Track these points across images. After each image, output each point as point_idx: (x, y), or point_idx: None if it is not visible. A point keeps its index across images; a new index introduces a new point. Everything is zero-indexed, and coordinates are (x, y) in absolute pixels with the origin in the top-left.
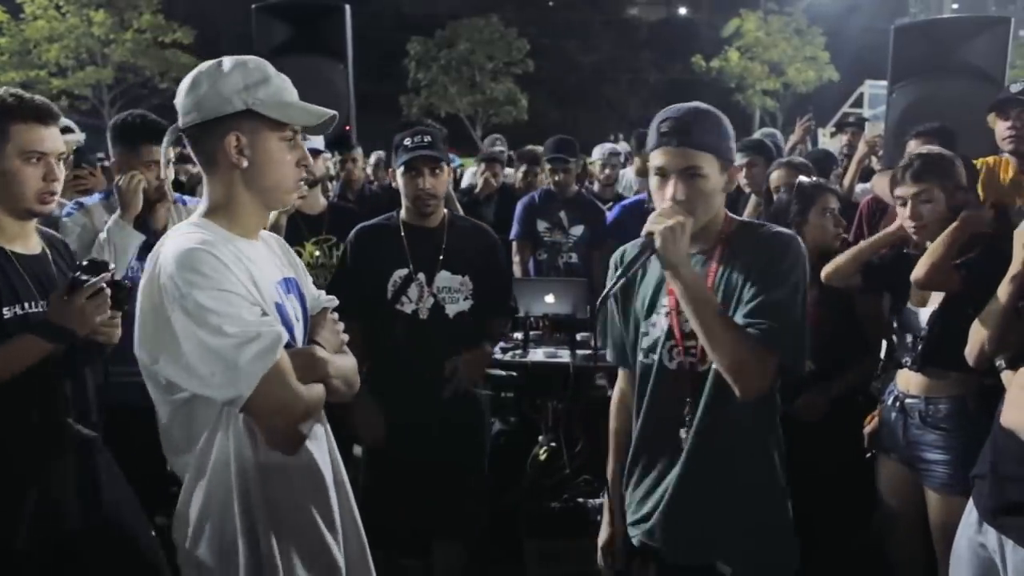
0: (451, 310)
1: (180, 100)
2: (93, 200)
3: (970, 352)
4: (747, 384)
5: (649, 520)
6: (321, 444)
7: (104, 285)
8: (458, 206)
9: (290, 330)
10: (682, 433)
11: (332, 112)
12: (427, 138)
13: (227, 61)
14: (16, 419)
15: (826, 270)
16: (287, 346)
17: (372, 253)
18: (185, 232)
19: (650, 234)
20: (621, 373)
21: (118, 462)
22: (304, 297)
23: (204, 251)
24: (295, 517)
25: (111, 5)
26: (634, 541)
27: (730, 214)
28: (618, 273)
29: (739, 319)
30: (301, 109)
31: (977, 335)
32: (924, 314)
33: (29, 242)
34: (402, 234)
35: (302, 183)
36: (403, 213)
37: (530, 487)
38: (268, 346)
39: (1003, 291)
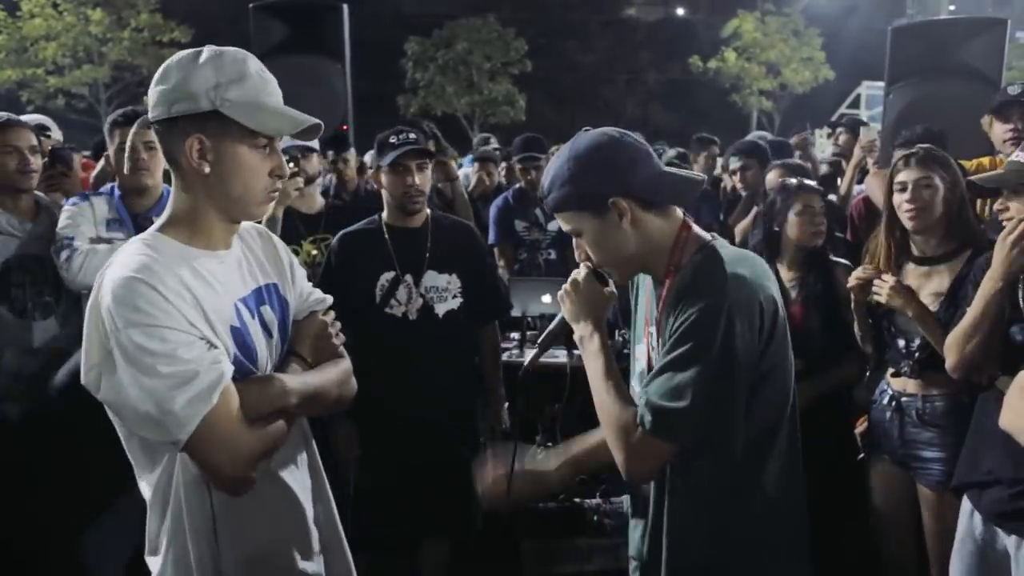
0: (440, 309)
1: (150, 89)
2: (98, 195)
3: (955, 366)
4: (629, 468)
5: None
6: (298, 471)
7: None
8: (467, 200)
9: (251, 354)
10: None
11: (314, 121)
12: (412, 135)
13: (205, 51)
14: None
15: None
16: (246, 373)
17: (358, 258)
18: (131, 252)
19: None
20: None
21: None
22: (286, 302)
23: (142, 282)
24: (266, 549)
25: (109, 4)
26: None
27: (697, 231)
28: (540, 343)
29: (644, 387)
30: (276, 114)
31: (959, 346)
32: None
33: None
34: (386, 236)
35: (275, 193)
36: (386, 215)
37: None
38: (206, 387)
39: (986, 299)
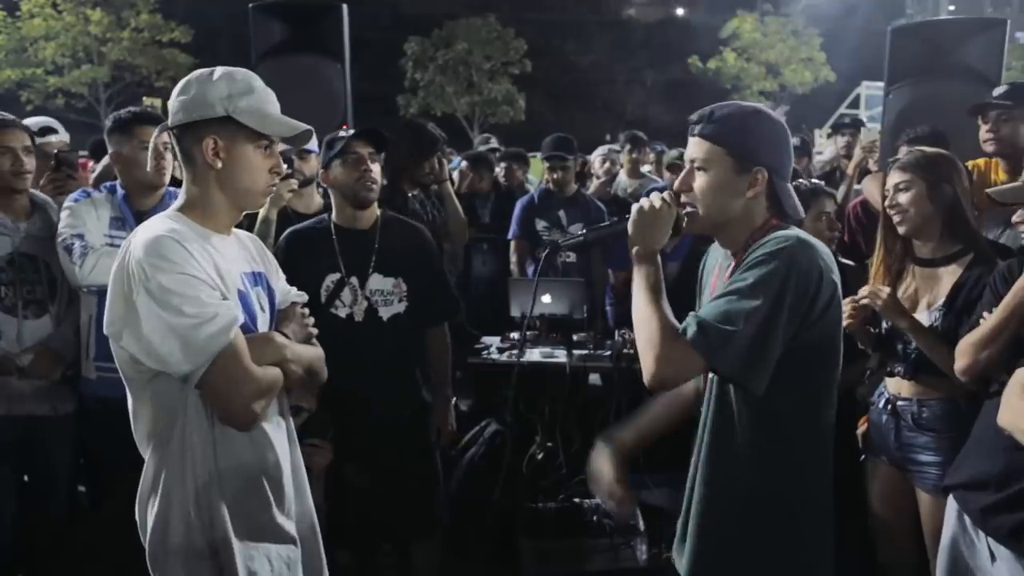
0: (385, 313)
1: (171, 100)
2: (100, 192)
3: (965, 369)
4: (658, 370)
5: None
6: (280, 432)
7: None
8: (456, 202)
9: (252, 316)
10: (700, 432)
11: (307, 127)
12: (367, 129)
13: (219, 70)
14: None
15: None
16: (247, 331)
17: (303, 256)
18: (157, 222)
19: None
20: None
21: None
22: (273, 291)
23: (170, 238)
24: (248, 492)
25: (108, 4)
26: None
27: (778, 221)
28: (585, 232)
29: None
30: (278, 121)
31: (974, 351)
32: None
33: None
34: (333, 237)
35: (273, 187)
36: (335, 215)
37: (526, 487)
38: (224, 326)
39: (1012, 309)
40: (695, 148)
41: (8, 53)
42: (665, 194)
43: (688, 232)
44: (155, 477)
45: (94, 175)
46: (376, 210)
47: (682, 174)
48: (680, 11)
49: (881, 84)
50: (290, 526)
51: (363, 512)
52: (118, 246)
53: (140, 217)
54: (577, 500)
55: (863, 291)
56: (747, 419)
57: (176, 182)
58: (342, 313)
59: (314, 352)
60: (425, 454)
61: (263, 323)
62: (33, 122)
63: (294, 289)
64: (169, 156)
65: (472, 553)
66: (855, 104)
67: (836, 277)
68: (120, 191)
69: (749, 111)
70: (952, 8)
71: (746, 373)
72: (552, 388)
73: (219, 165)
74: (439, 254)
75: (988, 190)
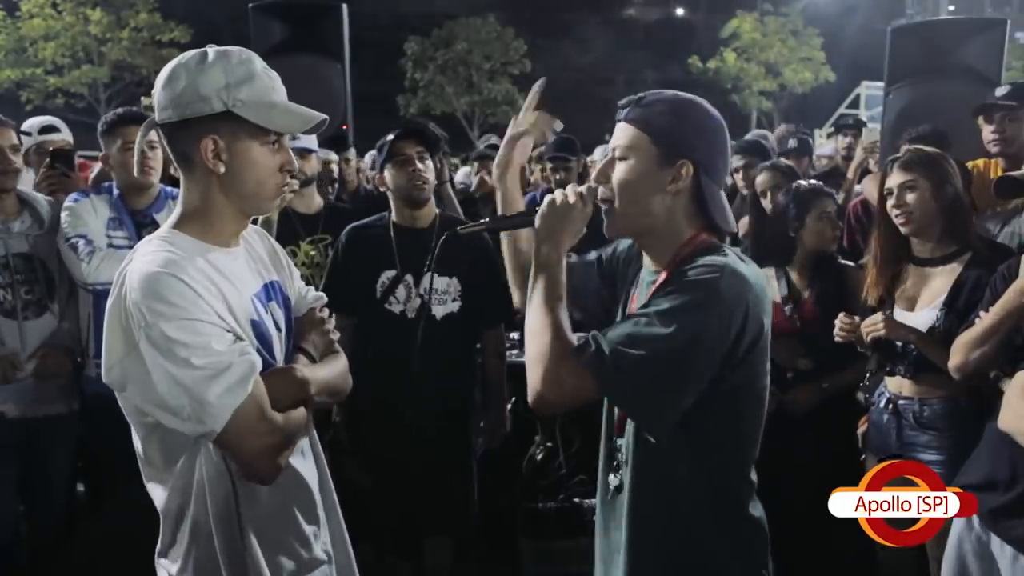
0: (439, 312)
1: (156, 92)
2: (98, 193)
3: (958, 367)
4: (543, 390)
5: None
6: (307, 458)
7: None
8: (456, 204)
9: (268, 346)
10: (616, 467)
11: (321, 116)
12: (413, 128)
13: (211, 52)
14: None
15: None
16: (266, 365)
17: (361, 253)
18: (152, 251)
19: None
20: None
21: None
22: (288, 299)
23: (170, 276)
24: (283, 533)
25: (108, 3)
26: None
27: (714, 240)
28: (487, 220)
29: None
30: (286, 112)
31: (967, 350)
32: (914, 318)
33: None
34: (392, 235)
35: (285, 188)
36: (394, 214)
37: (526, 487)
38: (240, 378)
39: (1008, 310)
40: (619, 134)
41: (8, 53)
42: (582, 188)
43: (608, 235)
44: (174, 531)
45: (93, 175)
46: (435, 209)
47: (601, 163)
48: (680, 11)
49: (881, 84)
50: (323, 547)
51: (400, 502)
52: (117, 247)
53: (136, 216)
54: (577, 500)
55: (865, 329)
56: (672, 466)
57: (174, 181)
58: (396, 309)
59: (337, 369)
60: (465, 452)
61: (279, 345)
62: (36, 121)
63: (311, 290)
64: (157, 154)
65: (473, 553)
66: (855, 104)
67: (766, 315)
68: (116, 191)
69: (684, 100)
70: (952, 8)
71: (642, 408)
72: None
73: (221, 169)
74: (497, 257)
75: (1011, 173)
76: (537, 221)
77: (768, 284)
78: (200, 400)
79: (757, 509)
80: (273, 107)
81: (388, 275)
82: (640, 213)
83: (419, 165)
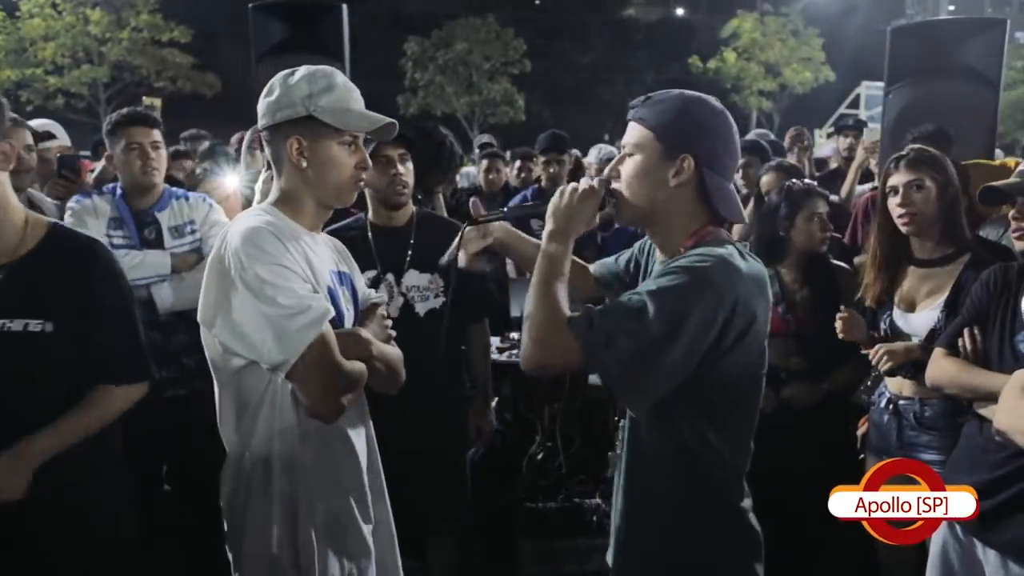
0: (421, 309)
1: (259, 103)
2: (100, 194)
3: (932, 382)
4: (532, 352)
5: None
6: (360, 432)
7: None
8: (443, 206)
9: (340, 314)
10: (617, 448)
11: (389, 120)
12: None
13: (300, 70)
14: None
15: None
16: (335, 327)
17: None
18: (253, 215)
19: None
20: None
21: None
22: (356, 292)
23: (266, 230)
24: (330, 491)
25: (108, 4)
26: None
27: (714, 228)
28: (506, 210)
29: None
30: (360, 116)
31: (947, 380)
32: (914, 320)
33: None
34: (369, 235)
35: (360, 183)
36: (371, 214)
37: (526, 487)
38: (316, 318)
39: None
40: (629, 132)
41: (8, 53)
42: (596, 180)
43: (618, 222)
44: (237, 467)
45: (94, 175)
46: (411, 207)
47: (613, 161)
48: (680, 11)
49: (881, 84)
50: (366, 533)
51: (393, 500)
52: (116, 246)
53: (138, 216)
54: (577, 500)
55: (874, 359)
56: (662, 455)
57: (175, 182)
58: None
59: (396, 352)
60: (457, 449)
61: (349, 321)
62: (34, 125)
63: (373, 291)
64: (161, 154)
65: (473, 553)
66: (855, 104)
67: (760, 307)
68: (119, 191)
69: (689, 98)
70: (952, 8)
71: (623, 383)
72: (552, 388)
73: (304, 164)
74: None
75: (993, 183)
76: (550, 209)
77: (769, 281)
78: (280, 334)
79: (749, 510)
80: (348, 112)
81: (368, 275)
82: (644, 204)
83: (400, 168)
